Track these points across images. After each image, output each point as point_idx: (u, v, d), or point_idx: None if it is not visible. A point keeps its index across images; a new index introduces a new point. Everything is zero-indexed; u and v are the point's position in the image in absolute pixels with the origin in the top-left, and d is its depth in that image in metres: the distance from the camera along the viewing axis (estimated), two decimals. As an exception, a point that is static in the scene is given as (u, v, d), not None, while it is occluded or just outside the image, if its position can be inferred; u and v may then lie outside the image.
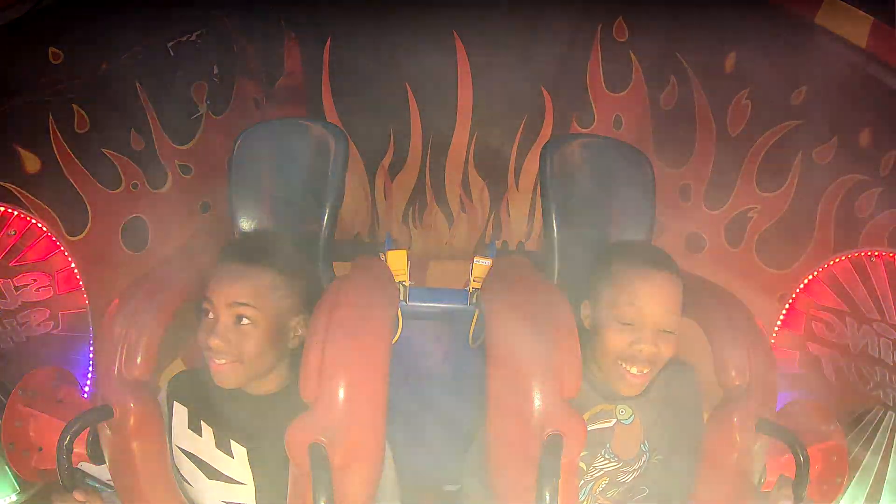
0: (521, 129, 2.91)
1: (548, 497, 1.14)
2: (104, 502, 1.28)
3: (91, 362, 1.90)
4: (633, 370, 1.39)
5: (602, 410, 1.46)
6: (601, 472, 1.47)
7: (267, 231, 1.71)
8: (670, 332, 1.39)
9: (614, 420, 1.46)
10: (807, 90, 2.04)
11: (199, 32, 2.50)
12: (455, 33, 2.73)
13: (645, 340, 1.36)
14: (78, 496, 1.24)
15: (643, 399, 1.47)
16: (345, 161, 1.73)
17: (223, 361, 1.32)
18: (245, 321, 1.32)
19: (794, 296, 2.00)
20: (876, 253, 1.79)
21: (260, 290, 1.34)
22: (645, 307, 1.37)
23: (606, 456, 1.46)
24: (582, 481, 1.46)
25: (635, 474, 1.49)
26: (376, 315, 1.35)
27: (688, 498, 1.43)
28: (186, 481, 1.43)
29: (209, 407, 1.42)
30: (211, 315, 1.33)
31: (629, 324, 1.38)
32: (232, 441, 1.39)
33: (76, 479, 1.26)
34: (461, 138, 2.94)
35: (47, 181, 1.90)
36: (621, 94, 2.75)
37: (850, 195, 1.92)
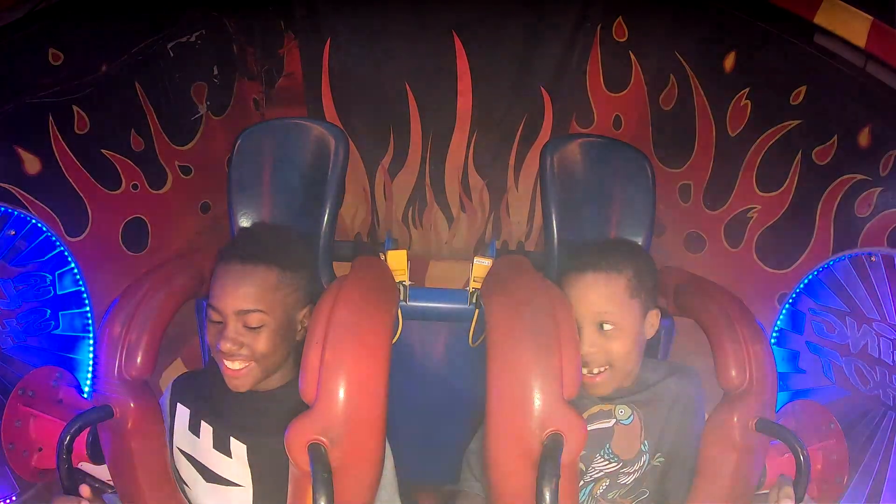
0: (520, 129, 2.91)
1: (548, 497, 1.14)
2: (104, 502, 1.29)
3: (91, 362, 1.90)
4: (585, 371, 1.41)
5: (601, 410, 1.46)
6: (601, 474, 1.47)
7: (263, 226, 1.71)
8: (609, 328, 1.41)
9: (613, 420, 1.46)
10: (806, 90, 2.04)
11: (198, 33, 2.51)
12: (455, 33, 2.73)
13: (583, 341, 1.40)
14: (84, 491, 1.24)
15: (643, 399, 1.47)
16: (345, 161, 1.73)
17: (238, 366, 1.32)
18: (254, 323, 1.32)
19: (794, 296, 2.00)
20: (876, 253, 1.79)
21: (265, 292, 1.33)
22: (577, 306, 1.42)
23: (606, 456, 1.46)
24: (582, 482, 1.46)
25: (636, 475, 1.49)
26: (376, 315, 1.35)
27: (688, 498, 1.43)
28: (185, 484, 1.43)
29: (211, 405, 1.42)
30: (219, 320, 1.33)
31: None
32: (232, 438, 1.39)
33: (76, 479, 1.26)
34: (461, 138, 2.94)
35: (47, 182, 1.90)
36: (621, 94, 2.75)
37: (850, 195, 1.92)
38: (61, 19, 1.90)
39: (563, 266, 1.53)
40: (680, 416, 1.49)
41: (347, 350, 1.25)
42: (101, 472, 1.45)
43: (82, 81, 1.99)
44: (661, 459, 1.51)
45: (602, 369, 1.42)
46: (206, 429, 1.41)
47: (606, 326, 1.41)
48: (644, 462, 1.48)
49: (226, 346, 1.30)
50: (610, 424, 1.46)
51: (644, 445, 1.48)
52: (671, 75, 2.52)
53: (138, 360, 1.32)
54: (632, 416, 1.47)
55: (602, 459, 1.46)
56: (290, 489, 1.27)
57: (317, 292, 1.40)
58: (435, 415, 2.07)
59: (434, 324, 2.03)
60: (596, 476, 1.47)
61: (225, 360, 1.32)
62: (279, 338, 1.35)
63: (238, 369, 1.32)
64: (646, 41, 2.62)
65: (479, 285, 1.77)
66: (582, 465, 1.45)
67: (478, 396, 1.37)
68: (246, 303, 1.32)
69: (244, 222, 1.73)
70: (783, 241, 2.15)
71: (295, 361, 1.43)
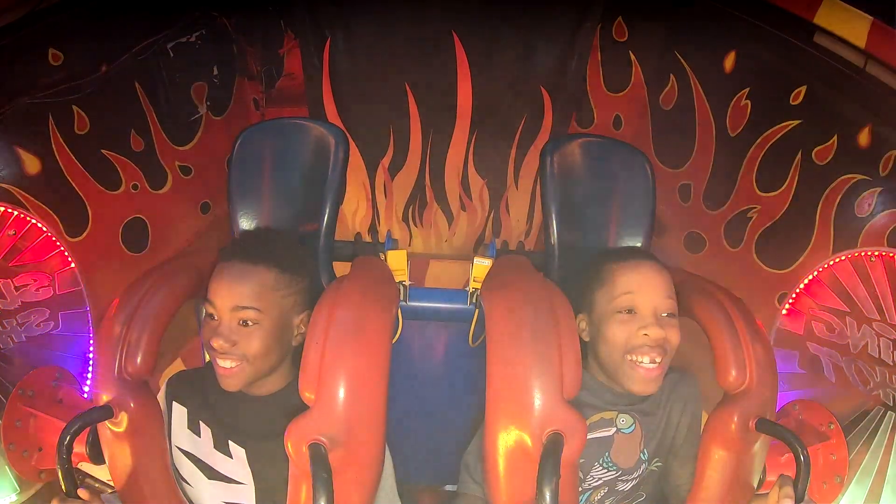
0: (520, 129, 2.92)
1: (548, 497, 1.14)
2: (104, 502, 1.29)
3: (91, 362, 1.90)
4: (645, 360, 1.36)
5: (602, 419, 1.45)
6: (600, 482, 1.47)
7: (267, 229, 1.71)
8: (671, 317, 1.39)
9: (614, 429, 1.45)
10: (806, 90, 2.04)
11: (198, 33, 2.51)
12: (455, 33, 2.73)
13: (650, 324, 1.36)
14: (82, 494, 1.24)
15: (647, 408, 1.47)
16: (345, 161, 1.73)
17: (229, 365, 1.32)
18: (249, 323, 1.32)
19: (794, 296, 2.00)
20: (876, 253, 1.79)
21: (262, 291, 1.34)
22: (643, 293, 1.38)
23: (605, 465, 1.46)
24: (580, 490, 1.46)
25: (634, 482, 1.48)
26: (376, 315, 1.35)
27: (688, 499, 1.43)
28: (186, 481, 1.43)
29: (208, 407, 1.42)
30: (214, 317, 1.33)
31: (630, 311, 1.38)
32: (230, 441, 1.39)
33: (76, 479, 1.26)
34: (461, 137, 2.94)
35: (47, 182, 1.90)
36: (621, 94, 2.75)
37: (850, 195, 1.92)
38: (61, 19, 1.89)
39: (596, 266, 1.48)
40: (678, 420, 1.49)
41: (347, 350, 1.25)
42: (101, 472, 1.45)
43: (82, 81, 1.98)
44: (659, 464, 1.50)
45: (660, 359, 1.37)
46: (205, 429, 1.41)
47: (670, 314, 1.39)
48: (643, 469, 1.48)
49: (218, 342, 1.30)
50: (610, 433, 1.45)
51: (643, 454, 1.47)
52: (671, 75, 2.52)
53: (138, 359, 1.32)
54: (633, 426, 1.46)
55: (600, 468, 1.46)
56: (289, 489, 1.27)
57: (316, 296, 1.39)
58: (435, 415, 2.07)
59: (434, 324, 2.03)
60: (594, 484, 1.47)
61: (217, 358, 1.32)
62: (273, 339, 1.35)
63: (229, 368, 1.32)
64: (646, 41, 2.62)
65: (479, 285, 1.76)
66: (580, 474, 1.44)
67: (478, 397, 1.37)
68: (242, 300, 1.32)
69: (244, 222, 1.73)
70: (783, 241, 2.15)
71: (292, 366, 1.43)
